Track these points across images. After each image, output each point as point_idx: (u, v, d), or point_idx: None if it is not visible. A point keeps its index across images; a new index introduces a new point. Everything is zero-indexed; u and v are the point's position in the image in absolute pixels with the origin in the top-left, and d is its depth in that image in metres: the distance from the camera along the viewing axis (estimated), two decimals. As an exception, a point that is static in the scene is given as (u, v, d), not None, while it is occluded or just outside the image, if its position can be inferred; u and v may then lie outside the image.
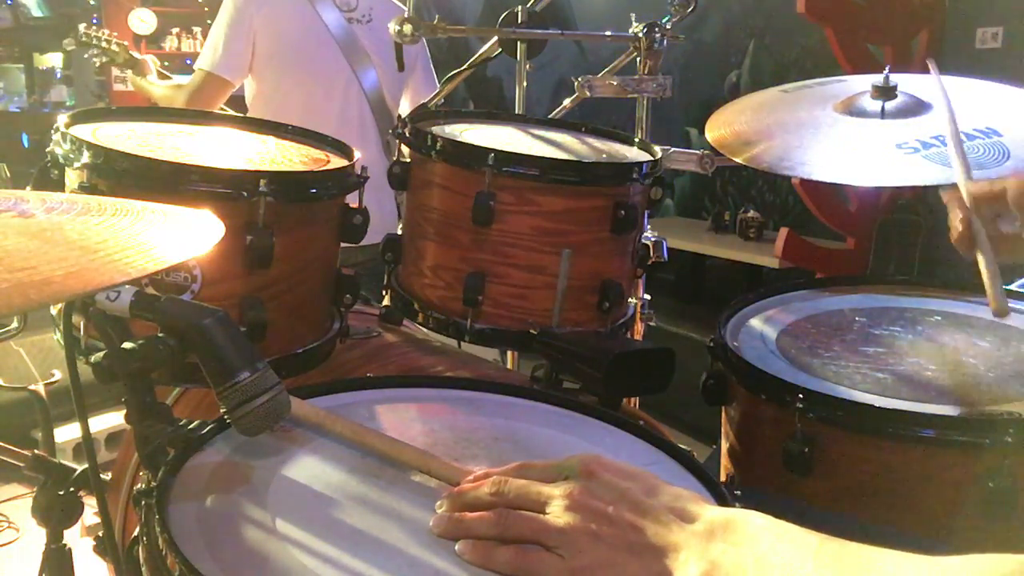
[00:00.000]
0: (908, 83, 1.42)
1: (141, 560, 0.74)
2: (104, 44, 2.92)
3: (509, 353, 1.80)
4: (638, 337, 1.73)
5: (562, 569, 0.69)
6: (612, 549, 0.69)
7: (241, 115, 1.48)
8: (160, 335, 0.82)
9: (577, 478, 0.75)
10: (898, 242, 3.87)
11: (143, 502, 0.75)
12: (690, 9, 1.81)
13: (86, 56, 3.05)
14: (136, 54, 2.94)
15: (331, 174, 1.19)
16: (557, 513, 0.72)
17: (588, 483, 0.74)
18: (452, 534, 0.74)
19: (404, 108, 2.72)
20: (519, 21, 1.88)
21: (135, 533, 0.76)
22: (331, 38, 2.53)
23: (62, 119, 1.13)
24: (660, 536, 0.69)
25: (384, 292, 1.41)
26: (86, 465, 0.96)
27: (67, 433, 3.32)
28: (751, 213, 4.53)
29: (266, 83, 2.54)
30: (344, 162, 1.24)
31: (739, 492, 0.88)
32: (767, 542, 0.65)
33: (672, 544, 0.69)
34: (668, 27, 1.78)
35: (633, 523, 0.70)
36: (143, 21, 6.63)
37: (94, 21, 6.61)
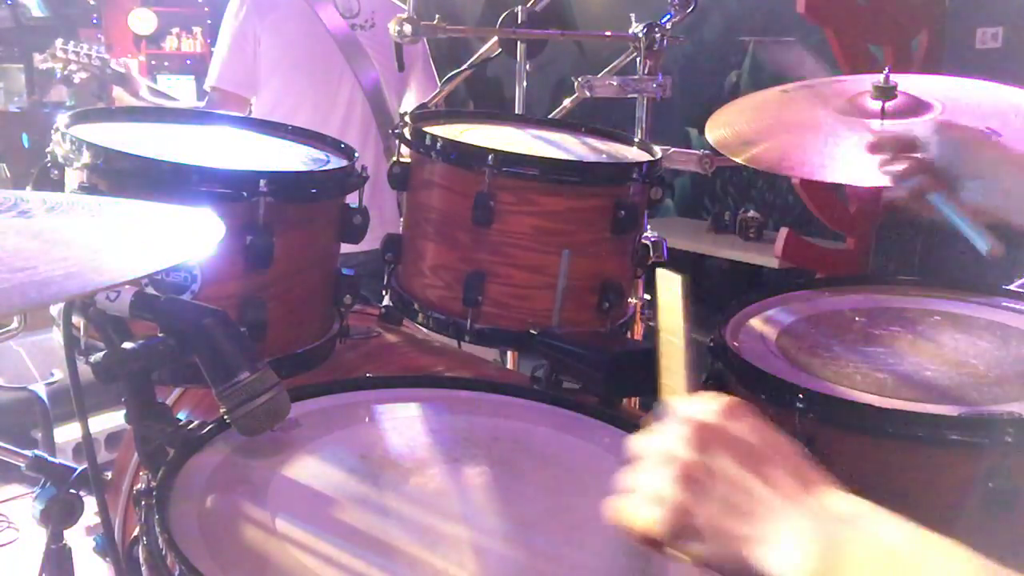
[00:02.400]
0: (908, 83, 1.42)
1: (141, 560, 0.74)
2: (83, 60, 2.68)
3: (509, 353, 1.80)
4: (638, 337, 1.72)
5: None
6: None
7: (241, 115, 1.48)
8: (160, 335, 0.82)
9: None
10: (898, 242, 3.87)
11: (143, 502, 0.76)
12: (690, 9, 1.81)
13: (65, 73, 2.83)
14: (120, 68, 2.79)
15: (331, 174, 1.19)
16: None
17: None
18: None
19: (406, 107, 2.72)
20: (519, 21, 1.88)
21: (135, 533, 0.76)
22: (334, 45, 2.53)
23: (62, 119, 1.13)
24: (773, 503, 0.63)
25: (384, 292, 1.41)
26: (86, 465, 0.96)
27: (67, 433, 3.32)
28: (751, 213, 4.52)
29: (270, 91, 2.54)
30: (344, 162, 1.24)
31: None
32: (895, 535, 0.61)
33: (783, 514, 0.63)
34: (668, 27, 1.77)
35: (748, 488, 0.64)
36: (143, 21, 6.63)
37: (94, 21, 6.61)
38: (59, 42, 2.76)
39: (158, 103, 2.73)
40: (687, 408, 0.69)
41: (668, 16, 1.80)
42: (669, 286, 0.89)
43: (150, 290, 0.91)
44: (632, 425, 1.01)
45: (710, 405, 0.68)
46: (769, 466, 0.65)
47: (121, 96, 2.71)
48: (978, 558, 0.58)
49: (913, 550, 0.60)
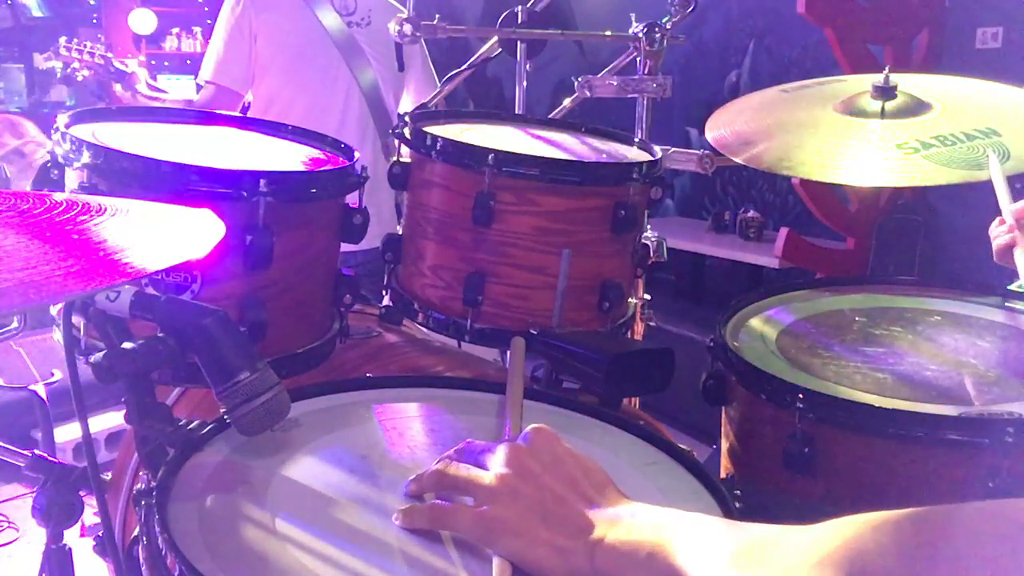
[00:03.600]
0: (908, 83, 1.42)
1: (141, 560, 0.74)
2: (86, 57, 2.73)
3: (509, 353, 1.80)
4: (638, 337, 1.72)
5: (469, 515, 0.72)
6: (528, 511, 0.71)
7: (241, 115, 1.48)
8: (160, 335, 0.82)
9: (524, 440, 0.76)
10: (898, 242, 3.87)
11: (143, 502, 0.76)
12: (690, 9, 1.81)
13: (68, 71, 2.85)
14: (123, 67, 2.80)
15: (331, 174, 1.19)
16: (493, 467, 0.74)
17: (531, 446, 0.75)
18: (408, 511, 0.76)
19: (405, 108, 2.72)
20: (519, 21, 1.88)
21: (135, 533, 0.76)
22: (331, 42, 2.53)
23: (62, 119, 1.13)
24: (577, 515, 0.71)
25: (384, 292, 1.41)
26: (86, 465, 0.96)
27: (67, 433, 3.32)
28: (751, 213, 4.53)
29: (266, 88, 2.54)
30: (344, 162, 1.24)
31: (739, 492, 0.89)
32: (667, 535, 0.67)
33: (585, 527, 0.70)
34: (668, 27, 1.77)
35: (558, 494, 0.72)
36: (143, 21, 6.63)
37: (94, 21, 6.61)
38: (63, 40, 2.78)
39: (153, 96, 2.73)
40: (509, 437, 0.81)
41: (668, 16, 1.80)
42: (516, 350, 1.17)
43: (150, 290, 0.91)
44: (633, 425, 1.01)
45: (526, 432, 0.77)
46: (574, 480, 0.73)
47: (124, 96, 2.72)
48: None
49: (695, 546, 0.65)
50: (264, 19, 2.49)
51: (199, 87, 2.59)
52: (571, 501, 0.72)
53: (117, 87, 2.74)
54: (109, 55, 2.77)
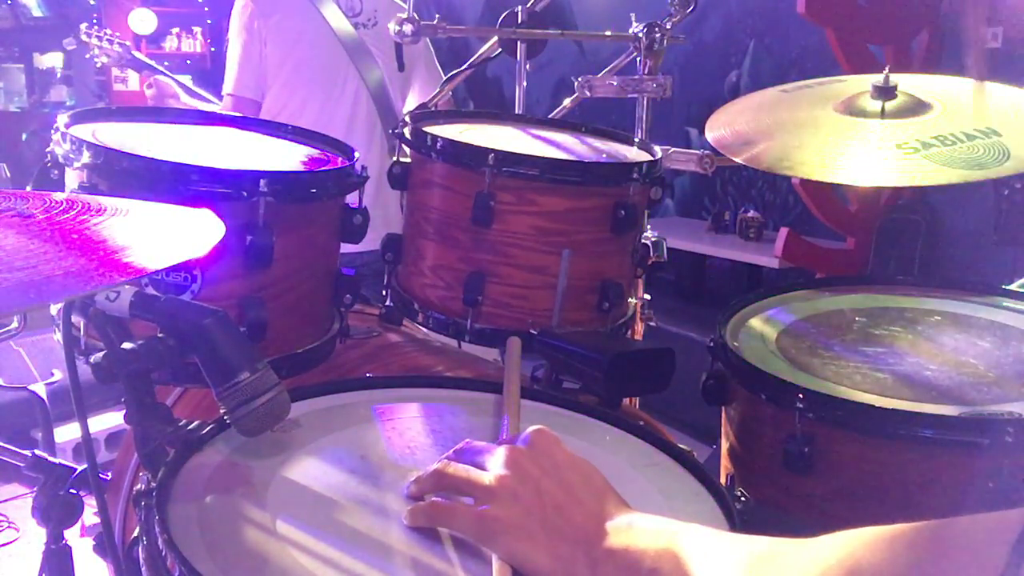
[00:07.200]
0: (908, 83, 1.41)
1: (141, 560, 0.74)
2: (106, 44, 2.86)
3: (505, 353, 1.80)
4: (638, 337, 1.72)
5: (470, 514, 0.72)
6: (527, 515, 0.70)
7: (241, 115, 1.48)
8: (160, 335, 0.82)
9: (524, 443, 0.76)
10: (898, 242, 3.87)
11: (143, 502, 0.76)
12: (690, 9, 1.80)
13: (87, 56, 2.96)
14: (141, 56, 2.85)
15: (331, 174, 1.19)
16: (492, 468, 0.74)
17: (531, 449, 0.75)
18: (411, 510, 0.77)
19: (411, 108, 2.72)
20: (519, 21, 1.88)
21: (135, 533, 0.76)
22: (338, 43, 2.54)
23: (62, 119, 1.13)
24: (576, 523, 0.71)
25: (384, 292, 1.41)
26: (86, 465, 0.96)
27: (67, 433, 3.32)
28: (751, 213, 4.53)
29: (276, 90, 2.55)
30: (344, 162, 1.24)
31: (740, 492, 0.89)
32: (666, 548, 0.66)
33: (584, 536, 0.70)
34: (668, 27, 1.77)
35: (556, 500, 0.72)
36: (143, 21, 6.64)
37: (94, 21, 6.61)
38: (83, 26, 2.89)
39: (195, 104, 2.74)
40: (509, 438, 0.80)
41: (668, 16, 1.80)
42: (512, 350, 1.15)
43: (150, 290, 0.91)
44: (633, 425, 1.01)
45: (526, 435, 0.77)
46: (573, 486, 0.73)
47: (159, 100, 2.71)
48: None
49: (702, 557, 0.65)
50: (272, 23, 2.50)
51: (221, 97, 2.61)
52: (570, 508, 0.71)
53: (150, 92, 2.74)
54: (127, 43, 2.83)
